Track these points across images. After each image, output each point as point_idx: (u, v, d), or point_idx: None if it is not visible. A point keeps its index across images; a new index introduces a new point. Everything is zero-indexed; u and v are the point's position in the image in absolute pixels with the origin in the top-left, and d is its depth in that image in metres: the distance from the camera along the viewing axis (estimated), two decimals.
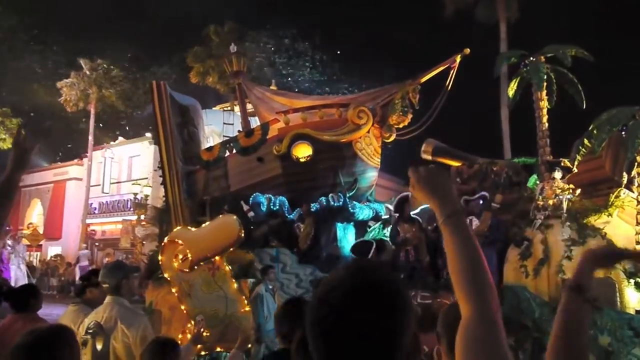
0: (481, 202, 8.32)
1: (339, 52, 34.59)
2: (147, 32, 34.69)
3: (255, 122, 12.76)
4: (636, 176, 8.09)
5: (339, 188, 9.97)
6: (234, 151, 10.70)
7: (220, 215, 10.07)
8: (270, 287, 8.71)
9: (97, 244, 33.13)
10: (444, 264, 8.96)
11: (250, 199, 10.05)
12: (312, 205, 9.80)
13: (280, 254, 9.65)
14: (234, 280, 9.82)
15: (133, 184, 28.84)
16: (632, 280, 7.33)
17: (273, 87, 13.02)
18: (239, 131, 12.27)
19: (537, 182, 9.50)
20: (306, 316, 1.08)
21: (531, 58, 8.35)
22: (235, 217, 9.65)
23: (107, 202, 32.18)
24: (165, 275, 10.32)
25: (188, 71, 31.93)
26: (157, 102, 10.86)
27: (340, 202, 9.74)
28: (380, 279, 1.09)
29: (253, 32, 31.65)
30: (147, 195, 28.73)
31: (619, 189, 8.02)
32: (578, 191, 8.17)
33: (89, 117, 32.89)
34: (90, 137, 32.49)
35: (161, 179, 10.68)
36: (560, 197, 7.86)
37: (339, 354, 1.03)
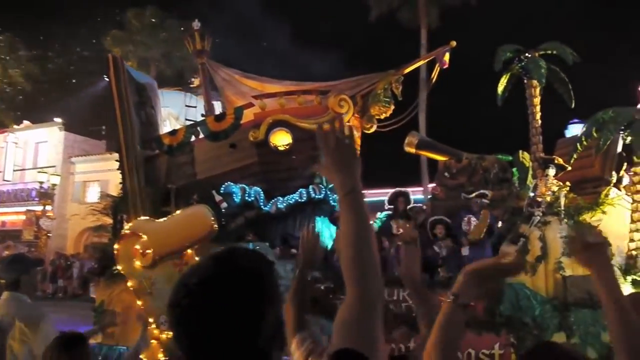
0: (479, 200, 8.18)
1: (264, 44, 33.94)
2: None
3: (219, 106, 11.86)
4: (624, 175, 8.32)
5: (318, 179, 9.43)
6: (202, 136, 9.81)
7: (190, 206, 9.24)
8: None
9: None
10: (434, 262, 8.75)
11: (222, 188, 9.26)
12: (291, 197, 9.20)
13: (257, 249, 8.98)
14: None
15: (39, 171, 26.69)
16: (628, 277, 7.47)
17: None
18: (202, 115, 11.33)
19: (518, 177, 9.57)
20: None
21: (527, 54, 8.34)
22: (207, 207, 8.87)
23: (8, 190, 29.33)
24: (119, 268, 9.30)
25: (105, 54, 29.94)
26: (113, 78, 9.70)
27: (322, 195, 9.22)
28: (242, 266, 1.07)
29: (174, 20, 30.21)
30: (54, 185, 26.52)
31: (608, 188, 8.19)
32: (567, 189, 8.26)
33: None
34: None
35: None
36: (558, 194, 7.87)
37: (194, 339, 1.02)
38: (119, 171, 9.61)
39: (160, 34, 29.32)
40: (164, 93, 11.77)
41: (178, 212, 8.99)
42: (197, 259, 8.88)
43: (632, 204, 7.55)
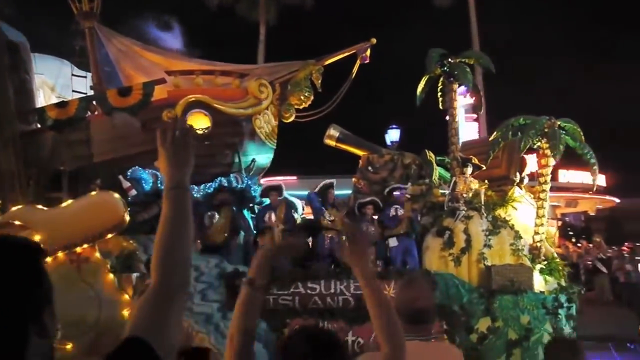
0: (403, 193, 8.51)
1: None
2: None
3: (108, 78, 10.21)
4: (525, 176, 9.34)
5: (236, 168, 8.77)
6: (100, 111, 8.40)
7: (93, 192, 7.95)
8: None
9: None
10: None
11: (128, 173, 8.08)
12: (209, 185, 8.40)
13: None
14: (111, 276, 7.87)
15: None
16: (537, 266, 8.40)
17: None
18: (91, 87, 9.67)
19: None
20: None
21: (449, 60, 8.87)
22: (117, 195, 7.77)
23: None
24: None
25: None
26: None
27: (244, 185, 8.60)
28: (10, 250, 1.10)
29: None
30: None
31: (513, 187, 9.11)
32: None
33: None
34: None
35: None
36: (479, 190, 8.51)
37: None
38: None
39: None
40: (36, 57, 9.80)
41: (76, 200, 7.72)
42: (97, 255, 7.70)
43: (537, 202, 8.51)
